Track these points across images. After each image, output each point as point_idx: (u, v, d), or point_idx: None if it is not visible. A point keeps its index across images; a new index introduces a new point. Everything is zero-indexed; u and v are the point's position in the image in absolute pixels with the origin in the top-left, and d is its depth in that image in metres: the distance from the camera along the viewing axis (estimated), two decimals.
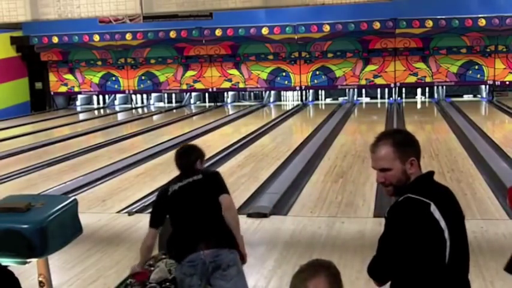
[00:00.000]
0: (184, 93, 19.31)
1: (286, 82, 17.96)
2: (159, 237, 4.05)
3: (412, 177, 2.26)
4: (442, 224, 2.13)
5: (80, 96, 19.80)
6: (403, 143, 2.27)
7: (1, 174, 8.97)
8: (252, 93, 19.12)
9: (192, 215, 3.44)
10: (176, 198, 3.51)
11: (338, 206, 6.67)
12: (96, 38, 17.41)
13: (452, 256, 2.15)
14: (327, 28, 16.42)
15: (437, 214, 2.13)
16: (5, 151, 11.17)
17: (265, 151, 10.29)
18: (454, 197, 2.32)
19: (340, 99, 18.28)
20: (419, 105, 17.76)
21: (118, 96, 19.67)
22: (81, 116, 18.09)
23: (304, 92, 18.16)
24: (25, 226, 2.43)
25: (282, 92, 18.76)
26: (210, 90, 18.54)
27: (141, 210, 6.86)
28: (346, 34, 16.52)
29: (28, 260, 2.51)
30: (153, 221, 3.55)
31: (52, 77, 19.15)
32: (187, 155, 3.70)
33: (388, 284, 2.24)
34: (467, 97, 17.99)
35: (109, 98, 19.68)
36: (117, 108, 19.22)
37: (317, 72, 17.73)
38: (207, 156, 11.23)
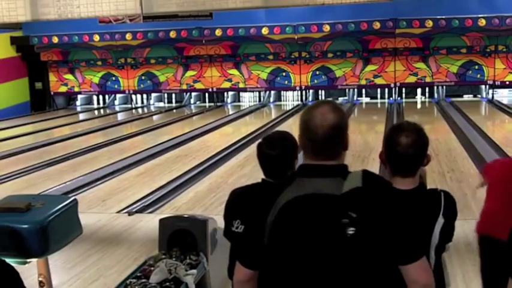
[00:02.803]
0: (184, 93, 19.31)
1: (286, 82, 17.96)
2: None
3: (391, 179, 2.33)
4: None
5: (80, 96, 19.79)
6: (384, 137, 2.37)
7: (1, 174, 8.97)
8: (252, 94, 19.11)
9: None
10: None
11: None
12: (96, 38, 17.40)
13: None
14: (327, 28, 16.41)
15: None
16: (5, 151, 11.17)
17: None
18: (423, 220, 2.28)
19: (340, 99, 18.26)
20: (419, 105, 17.75)
21: (118, 96, 19.65)
22: (81, 116, 18.09)
23: (304, 92, 18.15)
24: (25, 226, 2.43)
25: (282, 92, 18.75)
26: (210, 90, 18.54)
27: (141, 210, 6.87)
28: (346, 34, 16.52)
29: (28, 260, 2.52)
30: None
31: (52, 77, 19.14)
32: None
33: None
34: (467, 97, 17.98)
35: (109, 98, 19.67)
36: (117, 108, 19.22)
37: (317, 72, 17.72)
38: (206, 157, 11.24)
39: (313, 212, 1.81)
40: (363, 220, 1.75)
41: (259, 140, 2.64)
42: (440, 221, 2.26)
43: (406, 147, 2.23)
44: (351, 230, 1.74)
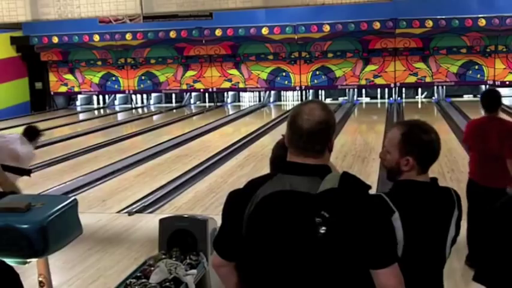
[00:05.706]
0: (184, 93, 19.32)
1: (286, 82, 17.96)
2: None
3: (404, 175, 2.23)
4: (399, 235, 2.07)
5: (80, 96, 19.80)
6: (409, 140, 2.21)
7: None
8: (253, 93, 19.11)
9: None
10: None
11: None
12: (96, 38, 17.40)
13: (406, 271, 1.95)
14: (327, 28, 16.42)
15: (397, 224, 2.07)
16: None
17: (265, 151, 10.28)
18: (444, 212, 2.25)
19: (340, 99, 18.27)
20: (419, 105, 17.75)
21: (118, 96, 19.66)
22: (81, 116, 18.09)
23: (304, 92, 18.15)
24: (25, 226, 2.43)
25: (282, 92, 18.75)
26: (210, 90, 18.54)
27: (141, 210, 6.87)
28: (346, 34, 16.52)
29: (28, 260, 2.51)
30: None
31: (52, 77, 19.14)
32: None
33: None
34: (467, 97, 17.97)
35: (109, 98, 19.68)
36: (117, 108, 19.22)
37: (317, 72, 17.72)
38: (206, 157, 11.23)
39: (287, 209, 1.83)
40: (334, 220, 1.77)
41: (276, 142, 2.63)
42: (456, 213, 2.28)
43: (433, 143, 2.24)
44: (322, 229, 1.76)
